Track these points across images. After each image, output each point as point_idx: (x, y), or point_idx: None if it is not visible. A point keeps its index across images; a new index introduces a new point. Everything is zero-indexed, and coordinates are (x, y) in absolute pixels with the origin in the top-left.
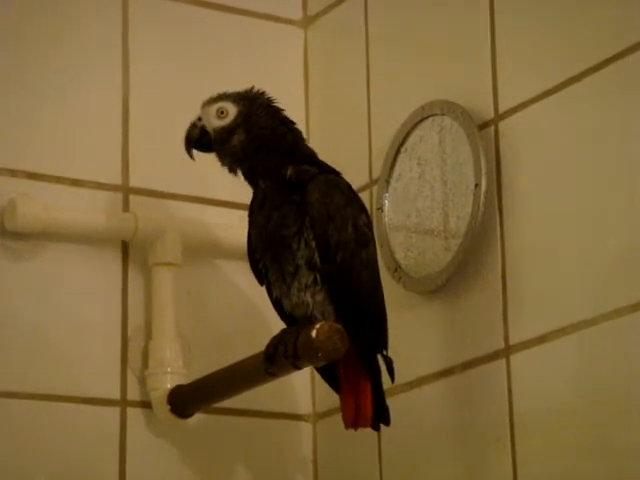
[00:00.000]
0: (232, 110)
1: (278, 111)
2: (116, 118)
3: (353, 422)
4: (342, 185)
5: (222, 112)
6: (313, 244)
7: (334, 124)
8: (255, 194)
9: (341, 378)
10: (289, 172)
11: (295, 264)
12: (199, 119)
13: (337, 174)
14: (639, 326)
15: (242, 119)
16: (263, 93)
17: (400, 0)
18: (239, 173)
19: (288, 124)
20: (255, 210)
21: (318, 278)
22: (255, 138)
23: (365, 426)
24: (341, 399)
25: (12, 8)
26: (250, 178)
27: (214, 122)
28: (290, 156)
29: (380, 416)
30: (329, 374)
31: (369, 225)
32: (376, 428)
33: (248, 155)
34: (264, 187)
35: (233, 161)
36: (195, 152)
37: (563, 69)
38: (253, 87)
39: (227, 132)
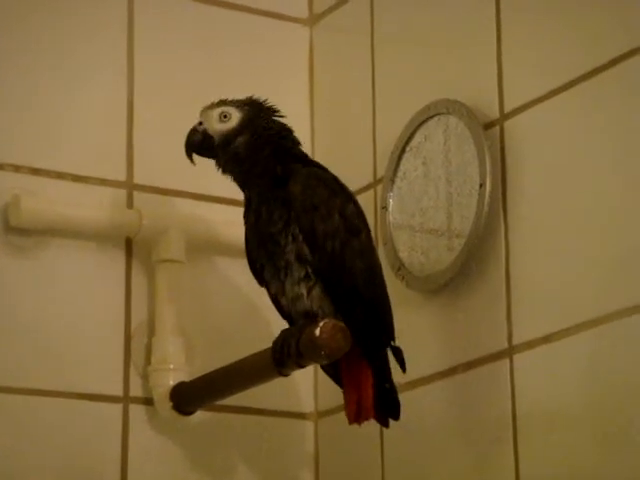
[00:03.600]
0: (235, 114)
1: (279, 116)
2: (121, 114)
3: (356, 416)
4: (325, 177)
5: (225, 116)
6: (300, 237)
7: (339, 123)
8: (245, 198)
9: (343, 372)
10: (279, 169)
11: (285, 259)
12: (200, 123)
13: (323, 169)
14: None
15: (247, 122)
16: (265, 100)
17: None
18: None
19: (289, 128)
20: (246, 211)
21: (310, 271)
22: (260, 138)
23: (367, 418)
24: (344, 393)
25: (18, 6)
26: (241, 181)
27: (217, 126)
28: (289, 157)
29: (389, 410)
30: (333, 370)
31: (360, 215)
32: (384, 424)
33: (250, 156)
34: (250, 192)
35: (232, 162)
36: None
37: (569, 69)
38: (253, 96)
39: (232, 134)
